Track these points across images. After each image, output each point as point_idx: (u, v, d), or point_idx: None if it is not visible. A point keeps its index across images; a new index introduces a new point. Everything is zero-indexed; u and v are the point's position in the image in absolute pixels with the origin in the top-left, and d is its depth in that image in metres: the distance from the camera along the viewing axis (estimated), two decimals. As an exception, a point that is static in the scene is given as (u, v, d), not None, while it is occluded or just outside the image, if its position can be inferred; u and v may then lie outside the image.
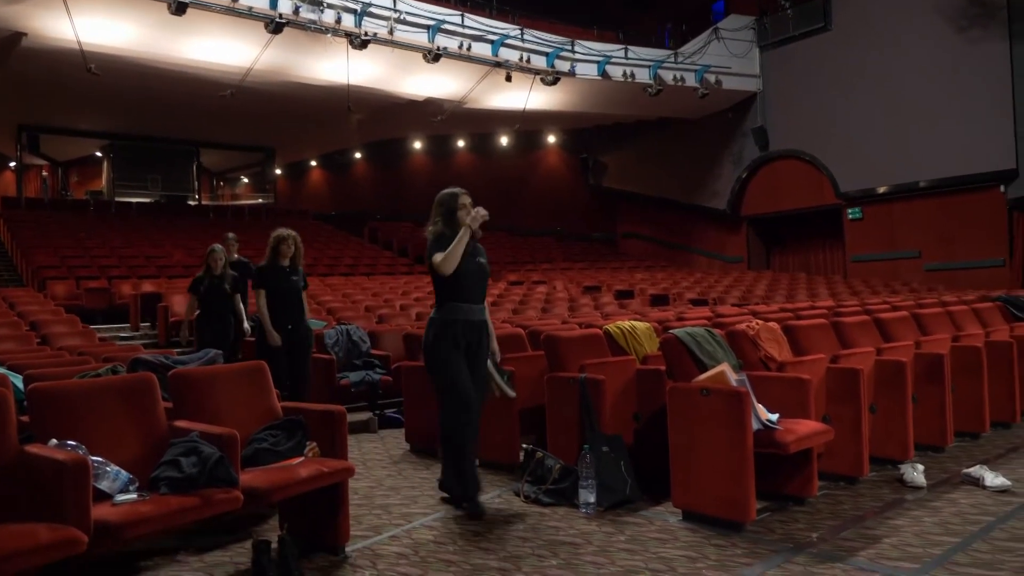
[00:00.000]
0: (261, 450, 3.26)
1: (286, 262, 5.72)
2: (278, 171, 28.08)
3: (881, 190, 17.17)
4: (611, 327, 4.82)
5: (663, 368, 4.15)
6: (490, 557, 3.25)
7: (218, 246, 6.84)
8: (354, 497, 4.25)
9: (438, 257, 3.82)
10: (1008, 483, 3.98)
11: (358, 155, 27.33)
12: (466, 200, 4.02)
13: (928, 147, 16.01)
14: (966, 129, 15.44)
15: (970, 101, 15.40)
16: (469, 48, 15.18)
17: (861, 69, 17.09)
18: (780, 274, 18.26)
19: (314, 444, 3.39)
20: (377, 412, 6.54)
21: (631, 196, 23.41)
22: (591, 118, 20.88)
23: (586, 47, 17.17)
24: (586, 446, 3.88)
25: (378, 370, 6.62)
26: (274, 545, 3.05)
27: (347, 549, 3.34)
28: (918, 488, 4.05)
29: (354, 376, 6.45)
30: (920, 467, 4.19)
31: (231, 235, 7.79)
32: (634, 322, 4.98)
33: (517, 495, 4.14)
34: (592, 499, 3.81)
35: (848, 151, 17.45)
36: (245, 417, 3.44)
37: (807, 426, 3.62)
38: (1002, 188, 15.29)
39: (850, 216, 17.92)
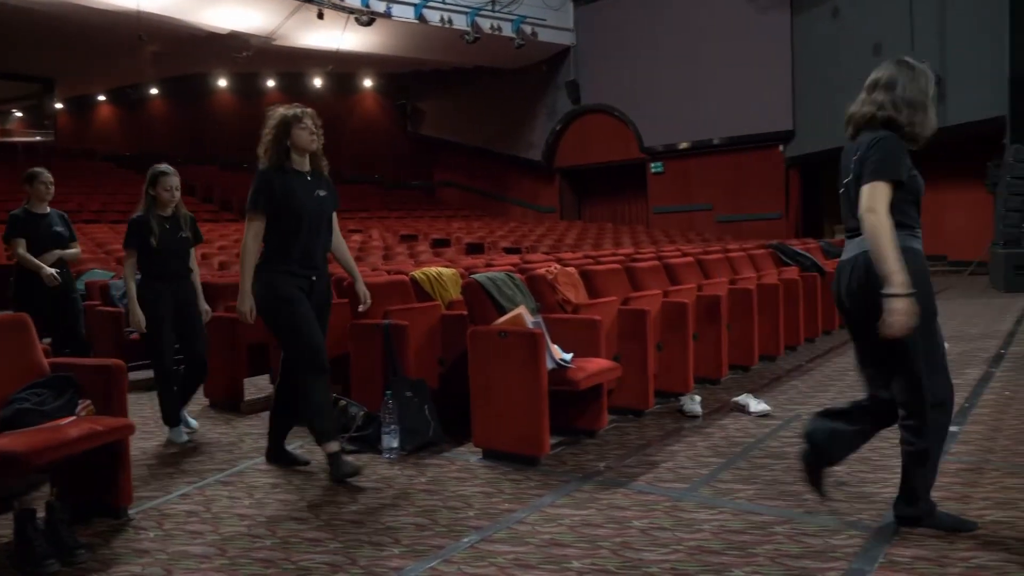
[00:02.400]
0: (22, 411, 2.95)
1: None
2: (58, 105, 25.09)
3: (682, 146, 18.37)
4: (417, 273, 4.82)
5: (467, 313, 4.21)
6: (287, 508, 3.19)
7: (169, 168, 4.33)
8: (142, 456, 4.00)
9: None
10: (768, 408, 4.47)
11: (155, 91, 25.00)
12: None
13: (721, 107, 17.28)
14: (753, 92, 16.81)
15: (757, 66, 16.76)
16: (276, -21, 14.27)
17: (665, 30, 18.02)
18: (590, 224, 19.14)
19: (88, 402, 3.12)
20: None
21: (449, 144, 23.40)
22: (408, 63, 20.48)
23: (403, -12, 16.72)
24: (388, 391, 3.88)
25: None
26: (41, 514, 2.80)
27: (130, 511, 3.14)
28: (695, 417, 4.45)
29: (145, 329, 5.98)
30: (697, 398, 4.60)
31: (45, 172, 5.12)
32: (441, 268, 5.01)
33: (319, 444, 4.08)
34: (395, 444, 3.84)
35: (652, 108, 18.45)
36: (1, 376, 3.09)
37: (598, 364, 3.84)
38: (781, 148, 16.90)
39: (653, 170, 19.06)
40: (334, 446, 3.52)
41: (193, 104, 24.48)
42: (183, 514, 3.15)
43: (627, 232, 16.70)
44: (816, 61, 16.01)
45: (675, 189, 18.66)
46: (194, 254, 4.48)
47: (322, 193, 3.63)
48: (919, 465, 2.64)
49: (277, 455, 3.83)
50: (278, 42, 16.96)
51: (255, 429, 4.54)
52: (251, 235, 3.52)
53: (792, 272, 6.84)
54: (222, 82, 23.24)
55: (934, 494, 2.74)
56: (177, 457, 4.03)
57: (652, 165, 19.05)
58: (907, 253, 2.48)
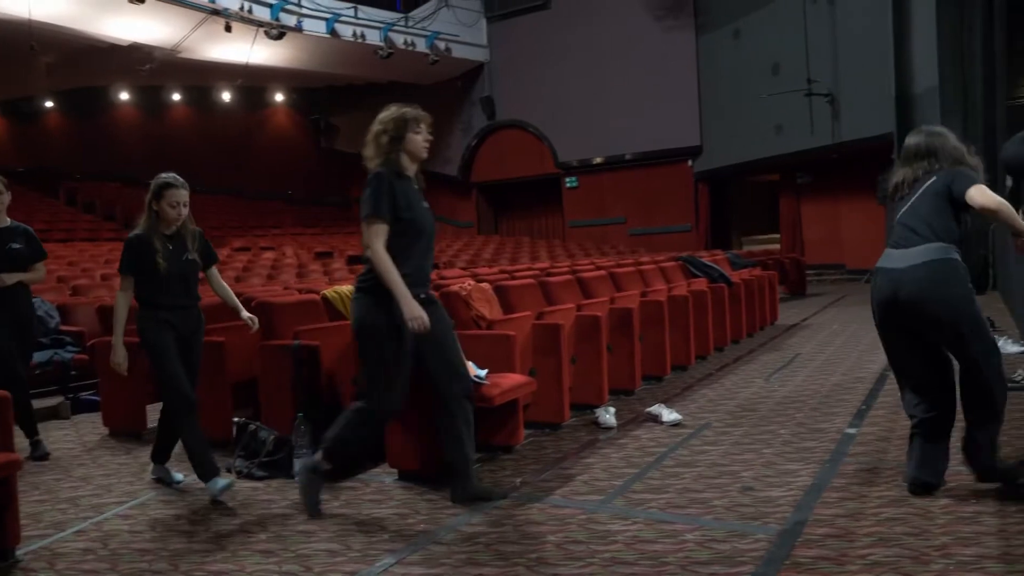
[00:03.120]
0: None
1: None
2: (-59, 117, 23.53)
3: (595, 161, 18.74)
4: (329, 292, 4.73)
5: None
6: (192, 540, 3.05)
7: (176, 178, 3.62)
8: (34, 493, 3.77)
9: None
10: (680, 417, 4.58)
11: (50, 104, 23.73)
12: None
13: (633, 123, 17.74)
14: (662, 109, 17.34)
15: (666, 84, 17.30)
16: (181, -9, 13.84)
17: (577, 47, 18.39)
18: (507, 238, 19.26)
19: (-31, 436, 2.91)
20: (70, 396, 5.83)
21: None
22: (321, 77, 20.19)
23: (314, 2, 16.48)
24: (300, 414, 3.79)
25: (70, 348, 5.89)
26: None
27: (18, 552, 2.94)
28: (610, 428, 4.51)
29: (40, 356, 5.66)
30: (612, 410, 4.67)
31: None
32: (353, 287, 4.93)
33: (228, 471, 3.94)
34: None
35: (566, 124, 18.76)
36: None
37: (512, 379, 3.85)
38: (690, 162, 17.48)
39: (568, 184, 19.37)
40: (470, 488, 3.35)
41: (93, 118, 23.34)
42: (78, 552, 2.98)
43: (544, 246, 16.89)
44: (720, 80, 16.66)
45: (589, 203, 19.00)
46: (218, 274, 3.90)
47: (427, 206, 3.37)
48: (998, 421, 3.04)
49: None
50: (183, 55, 16.42)
51: (159, 458, 4.34)
52: (381, 241, 3.10)
53: (701, 284, 7.06)
54: (124, 95, 22.27)
55: (833, 494, 2.86)
56: (71, 491, 3.81)
57: (567, 180, 19.35)
58: None
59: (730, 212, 19.01)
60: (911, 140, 3.22)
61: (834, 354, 6.84)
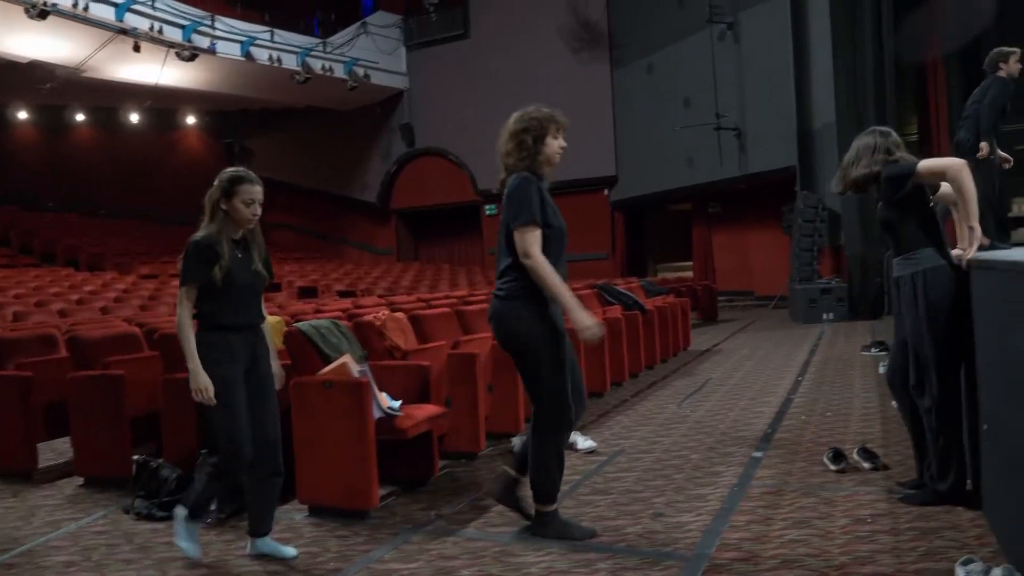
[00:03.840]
0: None
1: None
2: None
3: (513, 189, 18.94)
4: (238, 322, 4.58)
5: (290, 363, 4.05)
6: (83, 587, 2.88)
7: (250, 172, 3.12)
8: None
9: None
10: (595, 445, 4.63)
11: (-61, 122, 22.40)
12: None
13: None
14: (580, 138, 17.57)
15: (583, 114, 17.63)
16: (87, 8, 13.33)
17: (496, 77, 18.62)
18: (427, 265, 19.17)
19: None
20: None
21: (281, 185, 22.68)
22: (236, 100, 19.76)
23: (228, 24, 16.18)
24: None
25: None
26: None
27: None
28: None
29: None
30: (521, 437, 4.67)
31: None
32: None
33: (127, 512, 3.74)
34: (212, 506, 3.58)
35: (486, 152, 18.55)
36: None
37: (426, 410, 3.82)
38: (606, 191, 17.88)
39: (487, 212, 19.47)
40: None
41: (-13, 137, 22.17)
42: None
43: (463, 273, 16.89)
44: (634, 112, 17.17)
45: (509, 231, 19.14)
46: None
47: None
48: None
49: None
50: (88, 74, 15.79)
51: (49, 500, 4.09)
52: (539, 247, 2.93)
53: (616, 311, 7.18)
54: (23, 114, 21.21)
55: (741, 518, 2.93)
56: (-50, 539, 3.53)
57: (486, 207, 19.46)
58: None
59: (645, 240, 19.50)
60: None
61: (743, 379, 7.06)
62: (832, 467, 3.92)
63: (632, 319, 7.18)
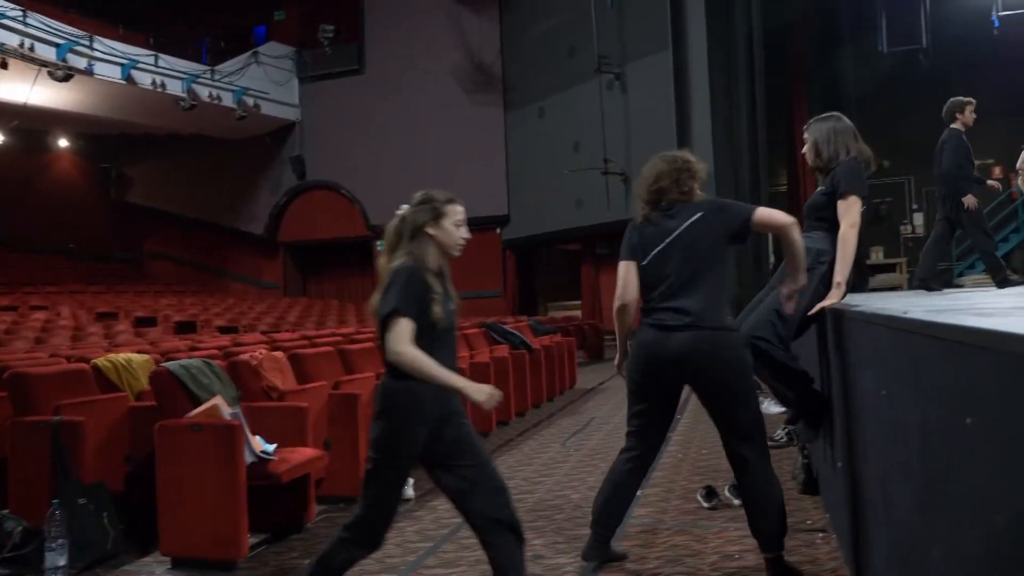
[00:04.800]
0: None
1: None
2: None
3: (406, 225, 18.89)
4: (100, 361, 4.32)
5: (157, 405, 3.84)
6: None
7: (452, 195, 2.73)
8: None
9: None
10: (477, 486, 4.60)
11: None
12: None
13: (444, 189, 18.11)
14: (473, 177, 17.88)
15: (476, 155, 17.93)
16: (-54, 21, 12.44)
17: (391, 113, 18.62)
18: (315, 301, 18.72)
19: None
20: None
21: (161, 214, 21.72)
22: (115, 124, 18.80)
23: (108, 46, 15.45)
24: (55, 500, 3.38)
25: None
26: None
27: None
28: (407, 500, 4.43)
29: None
30: (411, 480, 4.59)
31: None
32: (131, 355, 4.54)
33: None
34: (62, 562, 3.32)
35: (378, 187, 18.78)
36: None
37: (303, 454, 3.70)
38: (498, 230, 18.11)
39: (379, 247, 19.26)
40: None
41: None
42: None
43: (352, 309, 16.59)
44: (527, 154, 17.55)
45: (401, 267, 19.02)
46: None
47: None
48: None
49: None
50: (-55, 89, 14.68)
51: None
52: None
53: (503, 350, 7.24)
54: None
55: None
56: None
57: (378, 243, 19.27)
58: None
59: (536, 279, 19.81)
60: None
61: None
62: (705, 504, 4.07)
63: (519, 358, 7.26)
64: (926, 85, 15.42)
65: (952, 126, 5.93)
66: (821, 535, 3.47)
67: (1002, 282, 5.68)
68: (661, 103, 14.07)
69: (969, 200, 5.75)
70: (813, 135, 3.46)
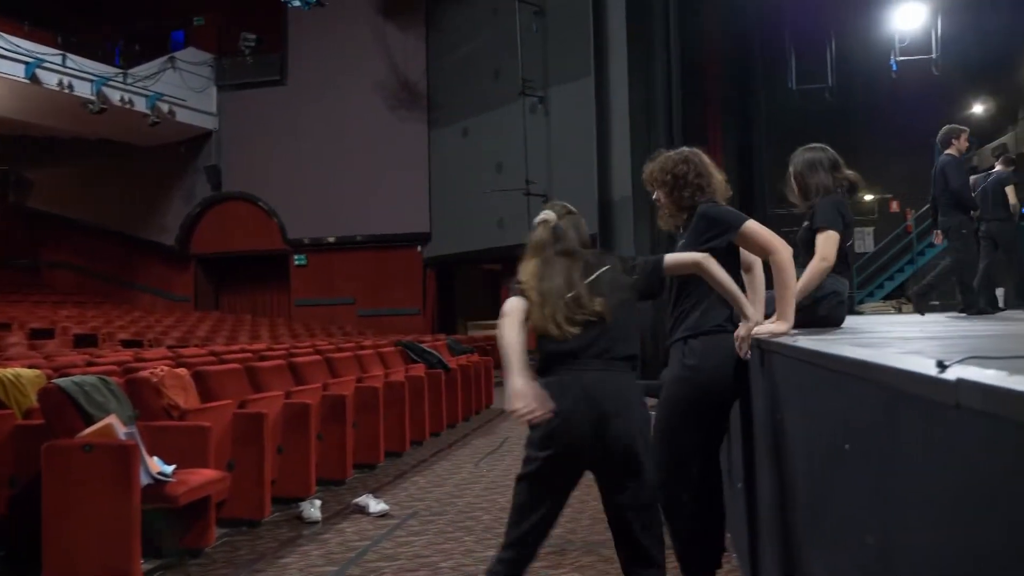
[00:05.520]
0: None
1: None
2: None
3: (327, 239, 18.57)
4: (-14, 376, 4.06)
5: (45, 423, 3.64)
6: None
7: None
8: None
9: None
10: (387, 508, 4.54)
11: None
12: None
13: (366, 205, 17.95)
14: (395, 194, 17.80)
15: (399, 171, 17.84)
16: None
17: (312, 127, 18.34)
18: (227, 315, 18.14)
19: None
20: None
21: (65, 221, 20.67)
22: (14, 125, 17.83)
23: (12, 42, 14.70)
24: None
25: None
26: None
27: None
28: (314, 523, 4.33)
29: None
30: (318, 502, 4.50)
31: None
32: (20, 370, 4.29)
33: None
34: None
35: (298, 200, 18.45)
36: None
37: (203, 475, 3.57)
38: (419, 248, 18.02)
39: (296, 262, 18.90)
40: None
41: None
42: None
43: (266, 325, 16.15)
44: (449, 172, 17.57)
45: (318, 282, 18.67)
46: None
47: None
48: None
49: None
50: None
51: None
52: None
53: (419, 369, 7.19)
54: None
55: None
56: None
57: (295, 257, 18.89)
58: None
59: (457, 298, 19.78)
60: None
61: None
62: (613, 525, 4.11)
63: (435, 377, 7.21)
64: (831, 121, 16.26)
65: (947, 151, 6.19)
66: (722, 554, 3.56)
67: (968, 307, 5.93)
68: (582, 128, 14.34)
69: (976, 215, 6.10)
70: (793, 166, 3.54)
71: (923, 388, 0.99)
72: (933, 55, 13.98)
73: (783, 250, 2.60)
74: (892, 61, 14.22)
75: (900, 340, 2.10)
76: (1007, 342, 1.86)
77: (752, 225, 2.68)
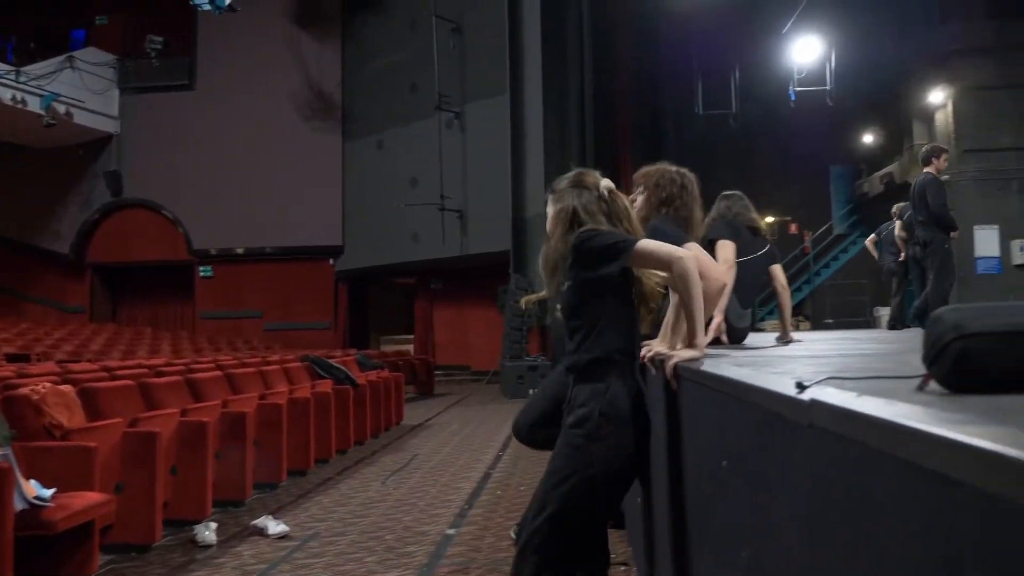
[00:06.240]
0: None
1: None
2: None
3: (235, 251, 18.01)
4: None
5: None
6: None
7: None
8: None
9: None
10: (287, 529, 4.40)
11: None
12: None
13: (276, 217, 17.53)
14: (307, 206, 17.46)
15: (311, 182, 17.52)
16: None
17: (222, 134, 17.82)
18: (125, 328, 17.32)
19: None
20: None
21: (-56, 226, 19.35)
22: None
23: None
24: None
25: None
26: None
27: None
28: (208, 546, 4.15)
29: None
30: (213, 525, 4.32)
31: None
32: None
33: None
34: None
35: (205, 210, 17.85)
36: None
37: (86, 499, 3.38)
38: (331, 261, 17.70)
39: (201, 274, 18.25)
40: None
41: None
42: None
43: (167, 338, 15.48)
44: (364, 185, 17.38)
45: (224, 295, 18.07)
46: None
47: None
48: None
49: None
50: None
51: None
52: None
53: (325, 385, 7.04)
54: None
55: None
56: None
57: (201, 268, 18.24)
58: None
59: (369, 312, 19.52)
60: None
61: (449, 454, 7.23)
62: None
63: (342, 394, 7.07)
64: (735, 146, 16.97)
65: (927, 170, 6.42)
66: (623, 567, 3.62)
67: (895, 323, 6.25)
68: (498, 145, 14.47)
69: (956, 235, 6.33)
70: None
71: (784, 408, 1.04)
72: (828, 86, 14.80)
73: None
74: (791, 91, 14.97)
75: (783, 359, 2.20)
76: (878, 361, 1.97)
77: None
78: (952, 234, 6.41)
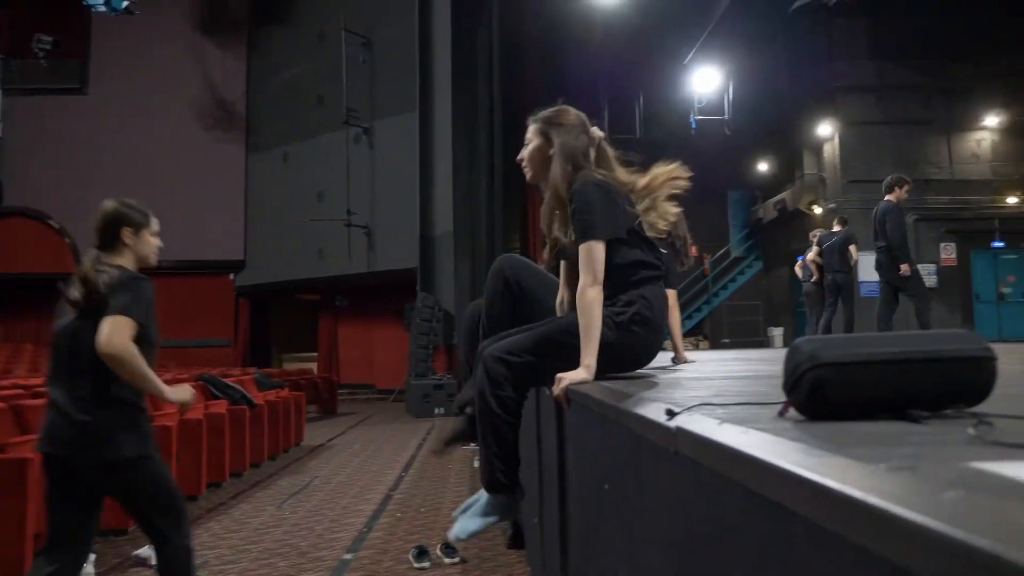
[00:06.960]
0: None
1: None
2: None
3: (125, 264, 17.19)
4: None
5: None
6: None
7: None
8: None
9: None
10: (172, 558, 4.19)
11: None
12: None
13: (174, 229, 16.69)
14: (207, 219, 16.85)
15: (212, 193, 16.94)
16: None
17: (116, 142, 17.04)
18: (3, 345, 16.20)
19: None
20: None
21: None
22: None
23: None
24: None
25: None
26: None
27: None
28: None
29: None
30: (92, 556, 4.06)
31: None
32: None
33: None
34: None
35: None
36: None
37: (-56, 532, 3.12)
38: (232, 276, 17.12)
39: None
40: None
41: None
42: None
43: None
44: (268, 199, 16.93)
45: (115, 310, 17.19)
46: None
47: None
48: None
49: None
50: None
51: None
52: None
53: (220, 406, 6.77)
54: None
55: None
56: None
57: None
58: None
59: (271, 329, 18.96)
60: None
61: (350, 476, 7.08)
62: (416, 565, 4.07)
63: (238, 414, 6.82)
64: (639, 168, 17.37)
65: (888, 198, 6.57)
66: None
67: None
68: (406, 161, 14.40)
69: (905, 268, 6.42)
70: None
71: (654, 434, 1.07)
72: (725, 116, 15.48)
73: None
74: (692, 119, 15.58)
75: (668, 384, 2.26)
76: (755, 384, 2.06)
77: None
78: (901, 267, 6.46)
